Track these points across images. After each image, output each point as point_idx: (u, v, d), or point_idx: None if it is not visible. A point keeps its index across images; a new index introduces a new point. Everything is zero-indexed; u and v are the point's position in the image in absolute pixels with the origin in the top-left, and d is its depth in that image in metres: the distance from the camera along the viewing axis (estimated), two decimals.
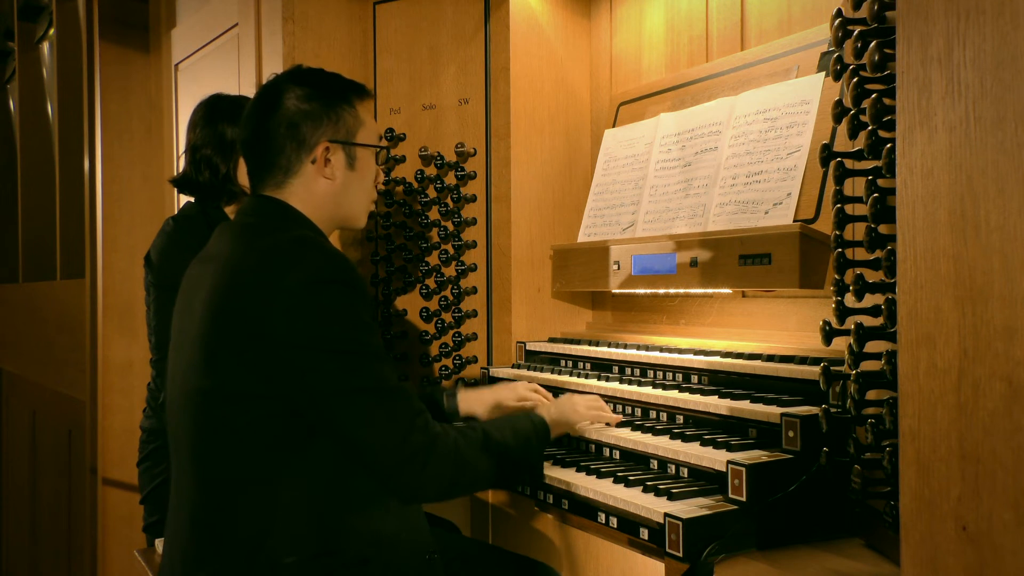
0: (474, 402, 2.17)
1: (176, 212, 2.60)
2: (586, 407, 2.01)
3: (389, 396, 1.59)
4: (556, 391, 2.24)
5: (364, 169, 1.82)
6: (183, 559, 1.64)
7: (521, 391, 2.18)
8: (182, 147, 2.70)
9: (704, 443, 1.76)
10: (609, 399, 2.10)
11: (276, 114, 1.73)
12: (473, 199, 2.66)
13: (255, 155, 1.77)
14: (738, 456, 1.62)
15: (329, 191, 1.77)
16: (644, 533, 1.58)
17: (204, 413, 1.61)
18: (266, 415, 1.56)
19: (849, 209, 1.45)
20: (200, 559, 1.60)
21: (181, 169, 2.47)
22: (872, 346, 1.36)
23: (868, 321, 1.37)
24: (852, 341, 1.37)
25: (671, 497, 1.62)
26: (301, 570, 1.56)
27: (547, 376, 2.34)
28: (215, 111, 2.41)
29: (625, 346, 2.32)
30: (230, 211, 2.44)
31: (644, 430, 1.93)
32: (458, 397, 2.17)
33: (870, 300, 1.38)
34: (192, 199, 2.47)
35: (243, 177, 2.39)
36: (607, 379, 2.21)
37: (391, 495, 1.65)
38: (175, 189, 2.64)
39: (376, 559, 1.62)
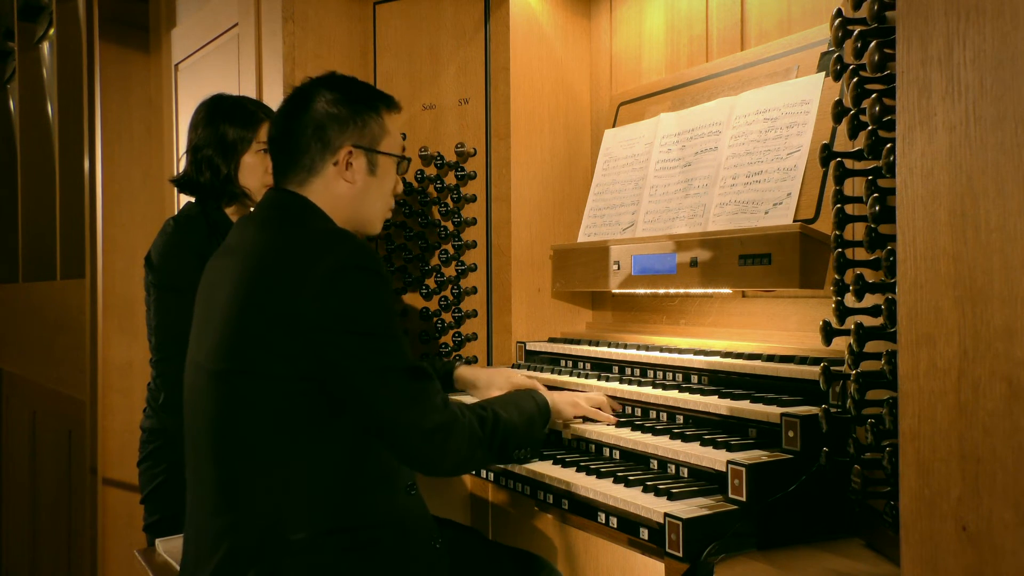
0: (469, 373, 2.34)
1: (176, 212, 2.59)
2: (586, 400, 2.07)
3: (414, 375, 1.67)
4: (556, 391, 2.23)
5: (384, 176, 1.89)
6: (206, 539, 1.69)
7: (517, 379, 2.27)
8: (182, 147, 2.70)
9: (704, 443, 1.76)
10: (609, 399, 2.10)
11: (305, 115, 1.81)
12: (473, 199, 2.66)
13: (281, 153, 1.84)
14: (738, 456, 1.62)
15: (348, 194, 1.83)
16: (644, 533, 1.58)
17: (226, 395, 1.67)
18: (287, 396, 1.62)
19: (849, 209, 1.45)
20: (219, 536, 1.66)
21: (182, 169, 2.47)
22: (872, 346, 1.36)
23: (868, 321, 1.37)
24: (852, 341, 1.37)
25: (671, 497, 1.62)
26: (315, 546, 1.62)
27: (547, 376, 2.34)
28: (217, 111, 2.41)
29: (625, 346, 2.32)
30: (231, 212, 2.44)
31: (644, 430, 1.93)
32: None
33: (870, 300, 1.38)
34: (193, 199, 2.47)
35: (244, 178, 2.39)
36: (607, 379, 2.21)
37: (412, 468, 1.74)
38: (175, 189, 2.64)
39: (388, 539, 1.70)
